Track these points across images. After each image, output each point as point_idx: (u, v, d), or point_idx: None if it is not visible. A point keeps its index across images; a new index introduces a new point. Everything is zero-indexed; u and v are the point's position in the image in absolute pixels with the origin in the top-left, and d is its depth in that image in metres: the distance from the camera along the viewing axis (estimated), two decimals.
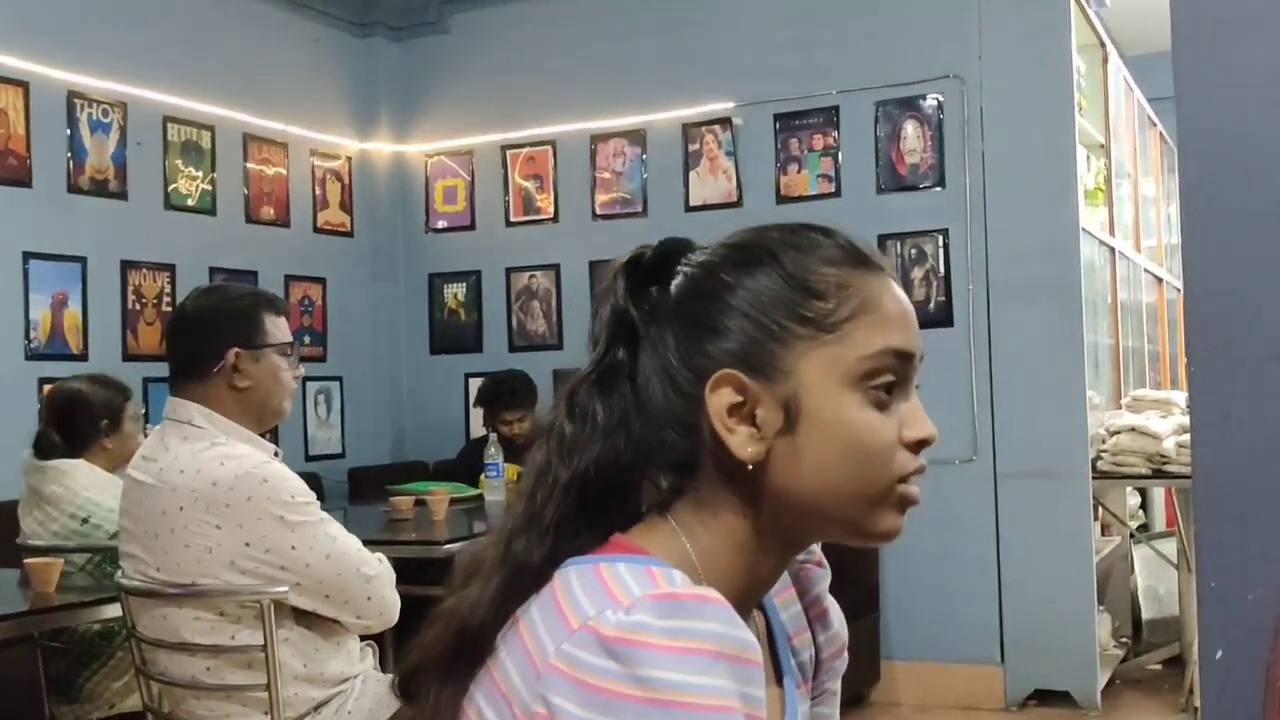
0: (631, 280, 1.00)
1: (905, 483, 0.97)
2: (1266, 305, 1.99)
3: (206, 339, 2.37)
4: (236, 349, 2.36)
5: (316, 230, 5.69)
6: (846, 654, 1.14)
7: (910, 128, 4.95)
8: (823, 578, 1.12)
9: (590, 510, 0.96)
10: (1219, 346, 2.00)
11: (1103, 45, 5.30)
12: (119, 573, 2.42)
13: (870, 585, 4.82)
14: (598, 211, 5.58)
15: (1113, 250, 5.40)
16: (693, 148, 5.37)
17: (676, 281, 1.00)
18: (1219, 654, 2.07)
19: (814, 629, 1.11)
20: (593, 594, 0.88)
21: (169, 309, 4.78)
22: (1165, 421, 4.62)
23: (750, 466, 0.94)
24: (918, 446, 0.98)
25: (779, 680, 1.06)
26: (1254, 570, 2.06)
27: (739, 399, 0.94)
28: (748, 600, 1.00)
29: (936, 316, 4.86)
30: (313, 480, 4.58)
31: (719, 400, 0.94)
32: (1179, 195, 2.06)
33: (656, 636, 0.83)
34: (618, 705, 0.81)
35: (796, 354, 0.94)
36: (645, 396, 0.98)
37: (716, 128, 5.33)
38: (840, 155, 5.09)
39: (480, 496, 4.47)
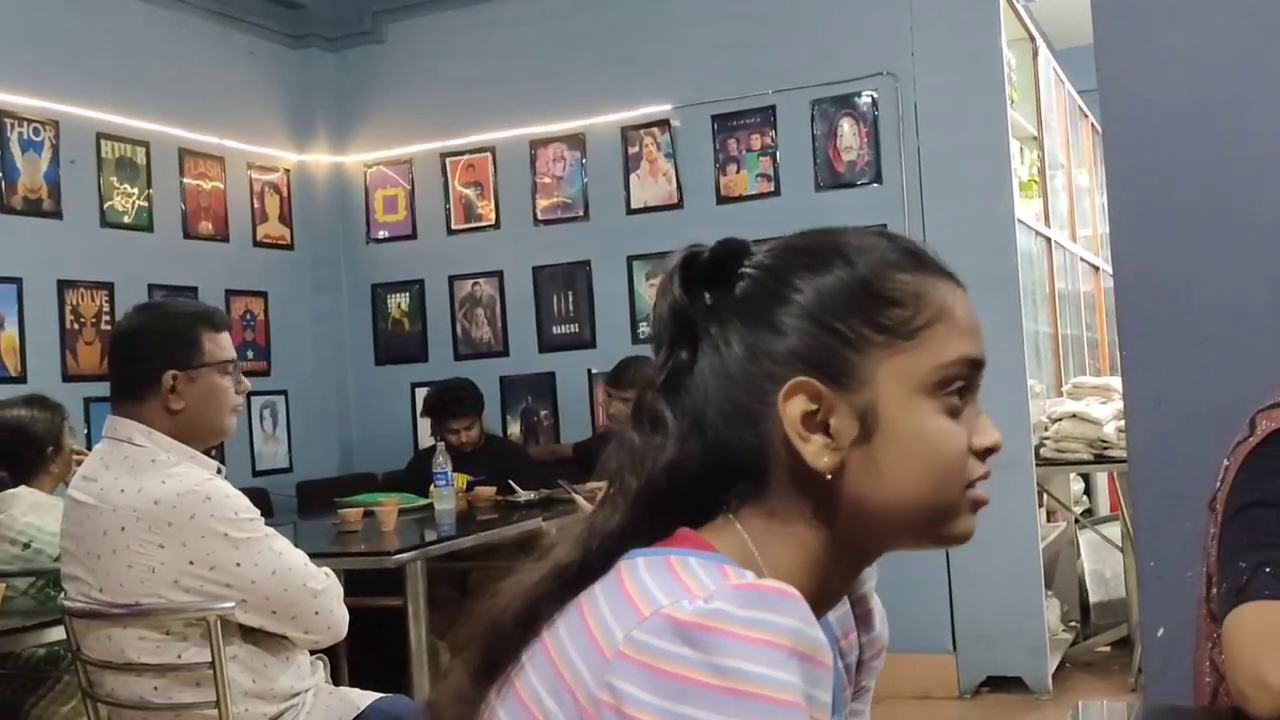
0: (687, 280, 0.98)
1: (973, 488, 0.97)
2: (1193, 289, 2.03)
3: (141, 361, 2.33)
4: (173, 372, 2.31)
5: (256, 244, 5.64)
6: (885, 654, 1.13)
7: (846, 126, 5.00)
8: (870, 576, 1.10)
9: (661, 511, 0.94)
10: (1149, 331, 2.04)
11: (1032, 39, 5.38)
12: (62, 595, 2.39)
13: None
14: (539, 217, 5.58)
15: (1049, 240, 5.48)
16: (632, 150, 5.39)
17: (741, 283, 0.97)
18: (1160, 632, 2.12)
19: (859, 629, 1.09)
20: (665, 583, 0.86)
21: (108, 328, 4.72)
22: (1105, 407, 4.70)
23: (828, 477, 0.92)
24: (986, 454, 0.98)
25: None
26: (1190, 549, 2.09)
27: (813, 407, 0.92)
28: (817, 613, 0.98)
29: None
30: (260, 495, 4.57)
31: (793, 408, 0.92)
32: (1106, 184, 2.10)
33: (737, 625, 0.81)
34: (692, 692, 0.79)
35: (874, 362, 0.93)
36: (705, 398, 0.95)
37: (655, 130, 5.35)
38: (778, 155, 5.13)
39: (430, 506, 4.46)
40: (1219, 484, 1.45)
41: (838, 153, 5.01)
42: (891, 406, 0.93)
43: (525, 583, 0.93)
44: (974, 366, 0.97)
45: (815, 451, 0.92)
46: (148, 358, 2.33)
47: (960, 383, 0.95)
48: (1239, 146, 1.97)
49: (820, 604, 0.97)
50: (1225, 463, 1.45)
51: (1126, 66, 2.03)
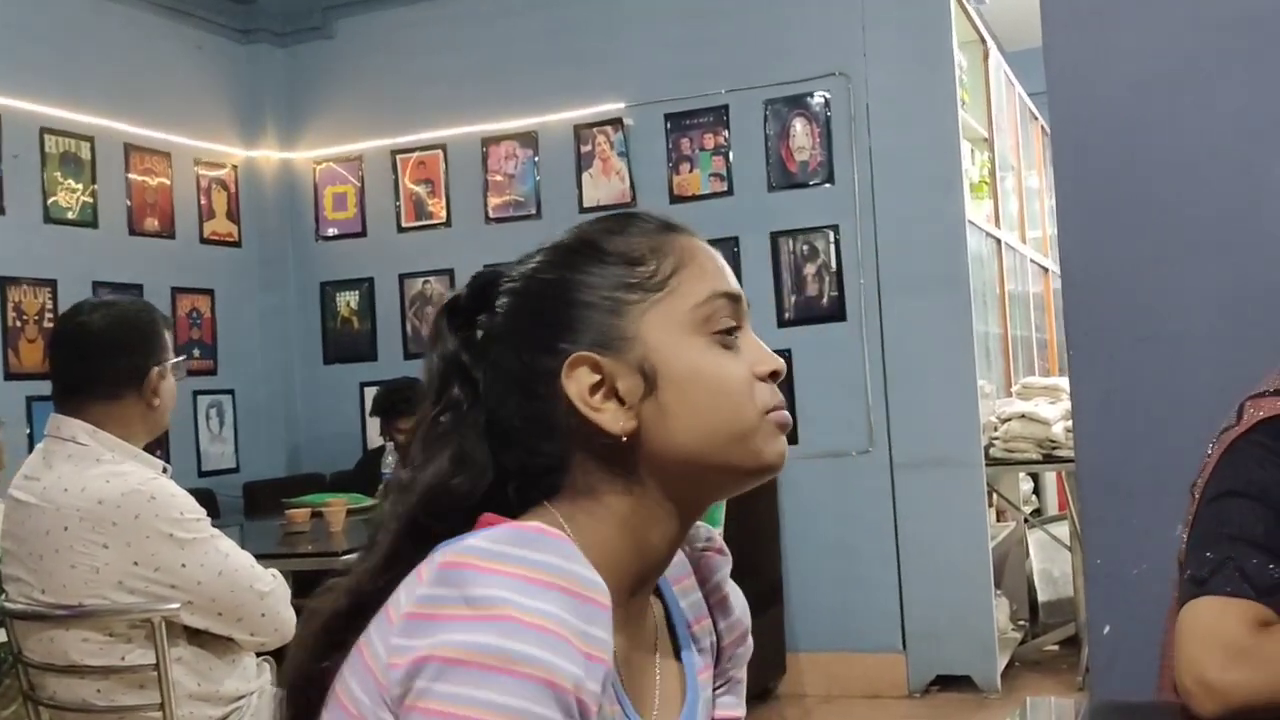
0: (454, 323, 1.03)
1: (772, 413, 1.00)
2: (1140, 289, 2.05)
3: (124, 357, 2.32)
4: (157, 367, 2.33)
5: (203, 241, 5.57)
6: (750, 641, 1.15)
7: (799, 125, 5.01)
8: (723, 564, 1.13)
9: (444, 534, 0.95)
10: (1096, 330, 2.06)
11: (983, 41, 5.43)
12: (3, 597, 2.34)
13: (773, 579, 4.87)
14: (491, 215, 5.55)
15: (999, 242, 5.52)
16: (585, 149, 5.37)
17: (501, 302, 1.02)
18: (1106, 629, 2.13)
19: (714, 616, 1.12)
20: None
21: (51, 325, 4.64)
22: (1054, 407, 4.74)
23: (625, 439, 0.96)
24: (771, 378, 1.01)
25: (677, 655, 1.07)
26: (1137, 546, 2.12)
27: (596, 377, 0.96)
28: (644, 582, 1.01)
29: (829, 311, 4.93)
30: (206, 496, 4.51)
31: (578, 384, 0.96)
32: (1054, 185, 2.11)
33: (486, 559, 0.83)
34: (444, 625, 0.81)
35: (634, 319, 0.98)
36: (501, 423, 0.99)
37: (608, 128, 5.33)
38: (731, 154, 5.13)
39: (378, 506, 4.41)
40: (1201, 470, 1.44)
41: (790, 152, 5.03)
42: (665, 353, 0.98)
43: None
44: (730, 299, 1.01)
45: (611, 418, 0.96)
46: (131, 353, 2.32)
47: (726, 319, 1.00)
48: (1185, 148, 1.99)
49: (646, 572, 1.01)
50: (1209, 449, 1.45)
51: (1075, 68, 2.05)
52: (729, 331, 0.99)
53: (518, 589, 0.81)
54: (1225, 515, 1.35)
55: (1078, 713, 1.55)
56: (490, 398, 1.00)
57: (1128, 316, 2.00)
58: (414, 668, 0.81)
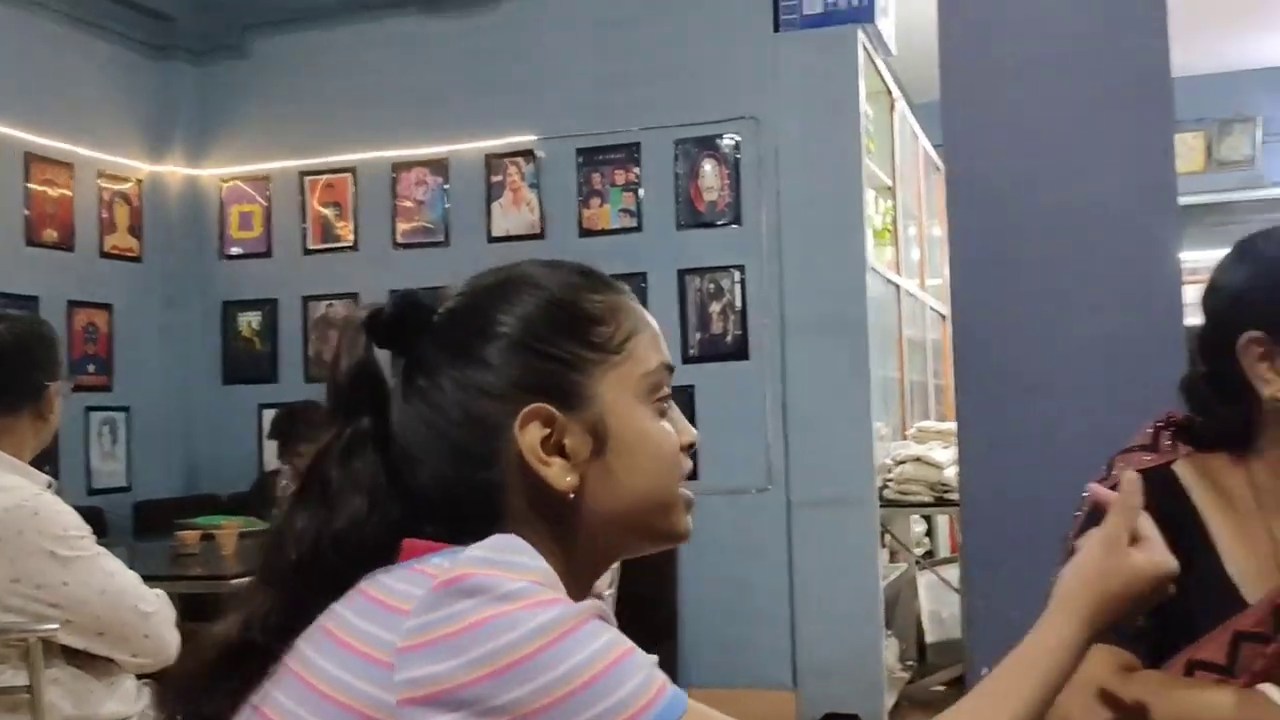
0: (374, 338, 1.01)
1: (681, 485, 1.04)
2: (1026, 339, 2.12)
3: (27, 372, 2.29)
4: (55, 383, 2.32)
5: (103, 255, 5.46)
6: None
7: (709, 166, 5.08)
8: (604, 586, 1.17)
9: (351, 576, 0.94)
10: (985, 378, 2.12)
11: (889, 93, 5.56)
12: None
13: (668, 613, 4.89)
14: (399, 240, 5.53)
15: (899, 288, 5.64)
16: (495, 179, 5.38)
17: (440, 331, 1.01)
18: (984, 670, 2.19)
19: None
20: (414, 579, 0.88)
21: None
22: (947, 451, 4.84)
23: (570, 496, 0.97)
24: (689, 449, 1.05)
25: None
26: (1018, 590, 2.17)
27: (547, 431, 0.96)
28: None
29: (733, 350, 4.99)
30: (94, 514, 4.40)
31: (530, 435, 0.96)
32: (948, 236, 2.18)
33: (498, 567, 0.86)
34: (487, 629, 0.82)
35: (594, 379, 0.98)
36: (419, 449, 0.98)
37: (520, 159, 5.35)
38: (642, 191, 5.18)
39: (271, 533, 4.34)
40: (1073, 523, 1.49)
41: (699, 192, 5.09)
42: (618, 417, 0.99)
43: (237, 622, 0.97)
44: (669, 370, 1.04)
45: (557, 473, 0.96)
46: (34, 367, 2.29)
47: (666, 388, 1.03)
48: (1072, 205, 2.07)
49: None
50: (1081, 502, 1.49)
51: (970, 124, 2.12)
52: (665, 400, 1.02)
53: (538, 580, 0.86)
54: None
55: None
56: (411, 430, 0.98)
57: (1015, 366, 2.07)
58: (493, 681, 0.81)
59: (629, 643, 0.87)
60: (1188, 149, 8.80)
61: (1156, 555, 1.22)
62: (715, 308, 5.03)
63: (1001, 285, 2.09)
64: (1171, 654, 1.35)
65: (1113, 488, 1.44)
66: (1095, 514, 1.42)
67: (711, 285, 5.05)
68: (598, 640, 0.84)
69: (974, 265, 2.11)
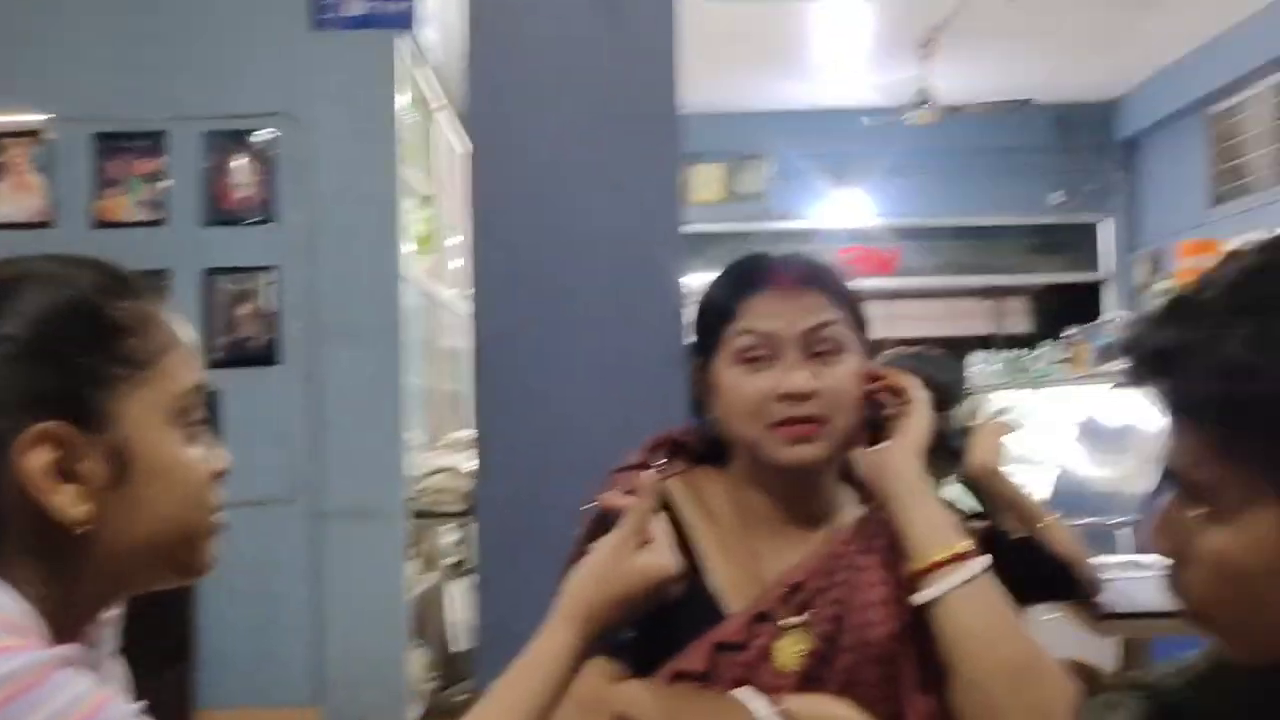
0: None
1: (214, 514, 0.96)
2: (545, 355, 2.17)
3: None
4: None
5: None
6: None
7: (242, 162, 4.85)
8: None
9: None
10: (505, 391, 2.15)
11: (429, 102, 5.56)
12: None
13: (181, 634, 4.60)
14: None
15: (437, 298, 5.65)
16: None
17: None
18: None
19: None
20: None
21: None
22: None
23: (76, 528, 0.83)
24: (219, 477, 0.96)
25: None
26: (528, 597, 2.21)
27: (58, 454, 0.84)
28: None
29: (263, 355, 4.78)
30: None
31: (35, 459, 0.82)
32: (473, 248, 2.20)
33: None
34: None
35: (119, 396, 0.87)
36: None
37: (26, 140, 4.86)
38: (167, 183, 4.86)
39: None
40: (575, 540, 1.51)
41: (230, 188, 4.84)
42: (143, 442, 0.88)
43: None
44: (202, 391, 0.95)
45: (67, 502, 0.85)
46: None
47: (197, 410, 0.94)
48: (587, 226, 2.14)
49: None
50: (582, 521, 1.52)
51: (495, 140, 2.15)
52: (197, 424, 0.93)
53: None
54: None
55: None
56: None
57: (530, 378, 2.11)
58: None
59: (105, 691, 0.77)
60: (709, 180, 9.47)
61: (659, 557, 1.27)
62: (245, 309, 4.81)
63: (521, 299, 2.12)
64: (659, 666, 1.41)
65: (631, 492, 1.49)
66: (602, 522, 1.47)
67: (241, 286, 4.82)
68: (63, 694, 0.73)
69: (495, 278, 2.14)
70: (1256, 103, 8.21)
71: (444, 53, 5.43)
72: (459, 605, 5.63)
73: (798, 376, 1.39)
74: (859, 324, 1.48)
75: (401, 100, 4.88)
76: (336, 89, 4.79)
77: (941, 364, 2.40)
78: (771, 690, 1.35)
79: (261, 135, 4.84)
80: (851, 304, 1.48)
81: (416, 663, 5.07)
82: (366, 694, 4.71)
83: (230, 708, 4.71)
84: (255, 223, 4.83)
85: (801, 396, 1.38)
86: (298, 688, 4.72)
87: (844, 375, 1.42)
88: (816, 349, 1.41)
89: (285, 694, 4.72)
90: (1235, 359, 0.81)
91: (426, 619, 5.46)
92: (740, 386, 1.41)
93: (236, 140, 4.84)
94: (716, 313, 1.45)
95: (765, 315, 1.41)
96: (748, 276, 1.46)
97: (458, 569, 5.88)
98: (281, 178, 4.83)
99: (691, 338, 1.51)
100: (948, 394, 2.04)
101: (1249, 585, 0.88)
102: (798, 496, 1.48)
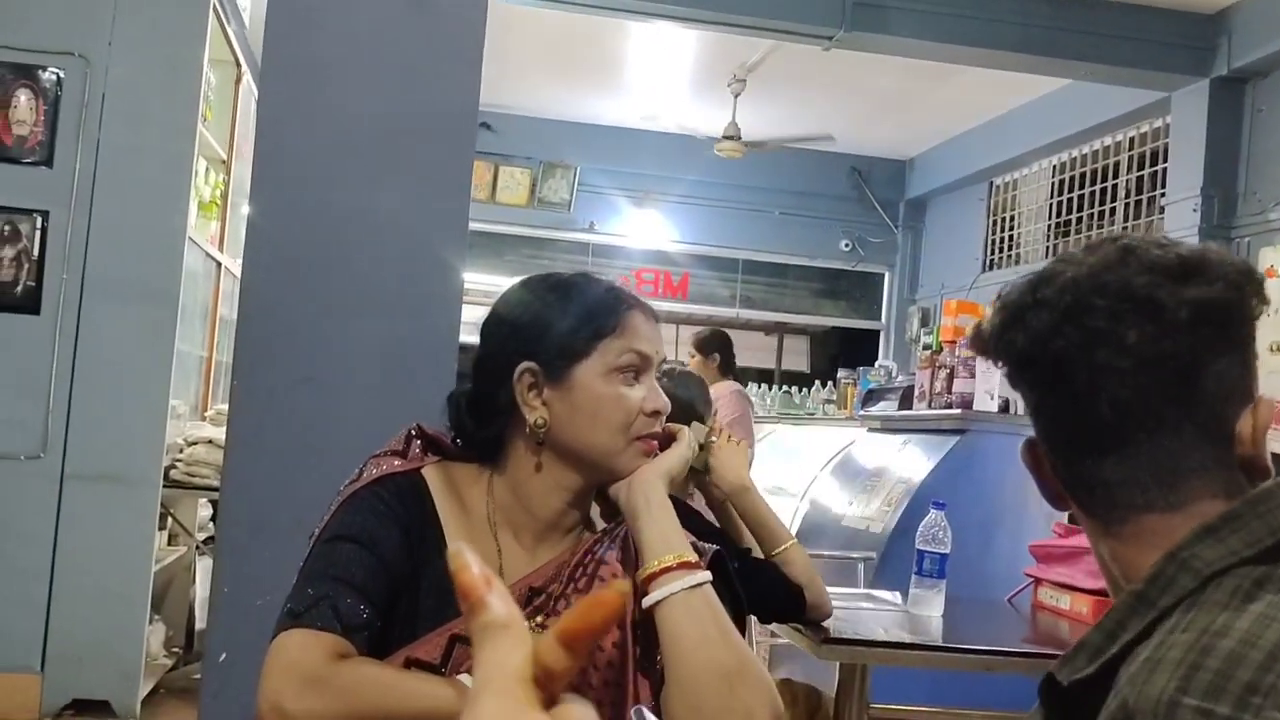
0: None
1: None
2: (308, 335, 2.15)
3: None
4: None
5: None
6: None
7: (23, 97, 4.62)
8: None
9: None
10: (262, 367, 2.12)
11: (238, 63, 5.41)
12: None
13: None
14: None
15: (219, 265, 5.49)
16: None
17: None
18: (223, 656, 2.18)
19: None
20: None
21: None
22: None
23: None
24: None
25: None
26: (268, 578, 2.19)
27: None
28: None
29: (23, 302, 4.55)
30: None
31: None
32: (247, 218, 2.16)
33: None
34: None
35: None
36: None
37: None
38: None
39: None
40: (321, 519, 1.51)
41: (9, 123, 4.61)
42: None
43: None
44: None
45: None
46: None
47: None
48: (371, 212, 2.14)
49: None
50: (333, 503, 1.52)
51: (285, 112, 2.12)
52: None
53: None
54: (333, 557, 1.43)
55: None
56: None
57: (292, 357, 2.09)
58: None
59: None
60: (515, 184, 9.48)
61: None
62: (8, 252, 4.57)
63: (292, 275, 2.10)
64: (394, 649, 1.43)
65: (364, 486, 1.50)
66: (348, 508, 1.48)
67: (7, 227, 4.58)
68: None
69: (268, 250, 2.11)
70: (1032, 180, 8.77)
71: (254, 17, 5.30)
72: (206, 581, 5.47)
73: (664, 397, 1.54)
74: None
75: (208, 57, 4.74)
76: (139, 36, 4.62)
77: (687, 380, 2.49)
78: None
79: (51, 73, 4.62)
80: None
81: (155, 637, 4.91)
82: (96, 666, 4.53)
83: None
84: (32, 163, 4.61)
85: (663, 414, 1.54)
86: (19, 654, 4.50)
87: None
88: (654, 374, 1.56)
89: (7, 659, 4.50)
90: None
91: (168, 593, 5.29)
92: (620, 397, 1.50)
93: (23, 74, 4.61)
94: (598, 323, 1.51)
95: (643, 337, 1.53)
96: (627, 296, 1.56)
97: (209, 544, 5.72)
98: (66, 120, 4.62)
99: (529, 339, 1.52)
100: (690, 410, 2.12)
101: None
102: (575, 505, 1.55)
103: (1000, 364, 1.12)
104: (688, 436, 1.58)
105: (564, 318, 1.52)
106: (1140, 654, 0.90)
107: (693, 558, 1.46)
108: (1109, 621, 0.97)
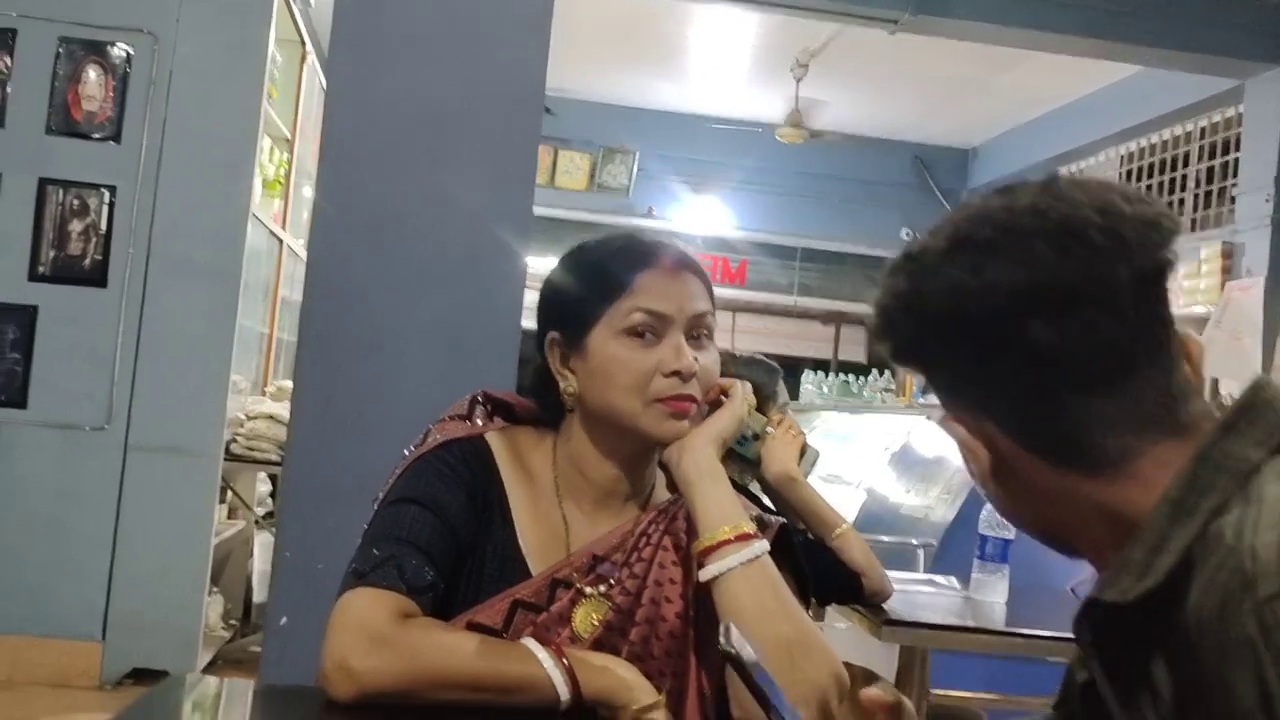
0: None
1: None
2: (373, 304, 2.16)
3: None
4: None
5: None
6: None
7: (93, 74, 4.68)
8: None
9: None
10: (328, 336, 2.13)
11: (303, 43, 5.45)
12: None
13: None
14: None
15: (281, 243, 5.54)
16: None
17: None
18: (284, 620, 2.20)
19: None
20: None
21: None
22: None
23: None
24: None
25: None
26: (328, 543, 2.20)
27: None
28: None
29: (90, 275, 4.62)
30: None
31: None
32: (315, 192, 2.17)
33: None
34: None
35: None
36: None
37: None
38: (10, 86, 4.66)
39: None
40: (384, 484, 1.51)
41: (79, 99, 4.67)
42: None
43: None
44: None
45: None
46: None
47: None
48: (439, 191, 2.14)
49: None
50: (396, 469, 1.52)
51: (353, 94, 2.13)
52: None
53: None
54: (398, 519, 1.43)
55: (223, 694, 1.57)
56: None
57: (358, 328, 2.10)
58: None
59: None
60: (574, 168, 9.49)
61: None
62: (77, 226, 4.64)
63: (359, 255, 2.11)
64: (457, 613, 1.43)
65: (429, 451, 1.50)
66: (413, 472, 1.48)
67: (76, 201, 4.65)
68: None
69: (336, 228, 2.12)
70: (1099, 170, 8.64)
71: None
72: (264, 555, 5.53)
73: (689, 357, 1.45)
74: (715, 319, 1.55)
75: (274, 36, 4.77)
76: (206, 14, 4.66)
77: (754, 366, 2.47)
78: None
79: (120, 50, 4.68)
80: (713, 299, 1.54)
81: (213, 609, 4.97)
82: (156, 636, 4.59)
83: (8, 635, 4.54)
84: (101, 139, 4.67)
85: (689, 375, 1.45)
86: (80, 622, 4.57)
87: (712, 363, 1.50)
88: (694, 334, 1.48)
89: (66, 627, 4.57)
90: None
91: (228, 566, 5.35)
92: (629, 359, 1.45)
93: (93, 50, 4.67)
94: (605, 285, 1.48)
95: (658, 295, 1.46)
96: (640, 254, 1.50)
97: (268, 519, 5.78)
98: (134, 96, 4.68)
99: (553, 309, 1.52)
100: (756, 396, 2.11)
101: (995, 495, 1.05)
102: (628, 473, 1.53)
103: (924, 334, 1.03)
104: (739, 394, 1.51)
105: (577, 284, 1.51)
106: (1220, 541, 0.87)
107: (750, 528, 1.43)
108: (1149, 536, 0.93)
